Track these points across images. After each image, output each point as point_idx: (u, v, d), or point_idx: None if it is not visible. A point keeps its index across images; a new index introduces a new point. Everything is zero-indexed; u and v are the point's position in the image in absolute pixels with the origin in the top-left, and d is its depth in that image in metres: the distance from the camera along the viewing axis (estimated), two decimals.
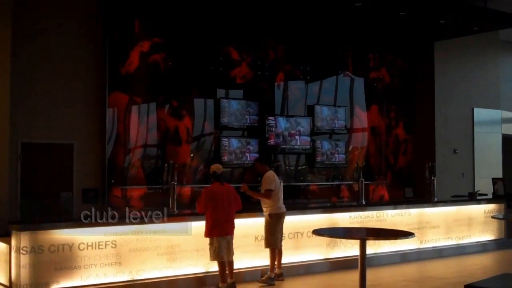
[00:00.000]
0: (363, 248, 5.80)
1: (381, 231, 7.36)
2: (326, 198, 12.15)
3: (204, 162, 10.75)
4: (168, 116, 10.39)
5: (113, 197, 9.78)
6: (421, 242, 10.46)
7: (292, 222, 8.94)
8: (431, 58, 13.26)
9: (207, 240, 7.60)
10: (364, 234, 6.74)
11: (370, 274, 9.14)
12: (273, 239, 8.14)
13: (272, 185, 8.14)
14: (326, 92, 12.36)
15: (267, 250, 8.34)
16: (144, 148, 10.15)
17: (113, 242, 7.43)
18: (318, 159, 12.01)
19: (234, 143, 10.93)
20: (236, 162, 10.90)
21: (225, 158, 10.77)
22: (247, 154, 11.02)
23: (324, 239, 9.17)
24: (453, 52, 13.63)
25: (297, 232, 8.96)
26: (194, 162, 10.64)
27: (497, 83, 14.73)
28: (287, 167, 11.81)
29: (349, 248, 9.42)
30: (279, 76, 11.66)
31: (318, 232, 6.28)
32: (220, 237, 7.54)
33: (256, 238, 8.56)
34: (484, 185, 12.83)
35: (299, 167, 12.00)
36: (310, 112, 11.98)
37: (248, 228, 8.47)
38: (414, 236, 6.10)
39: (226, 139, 10.85)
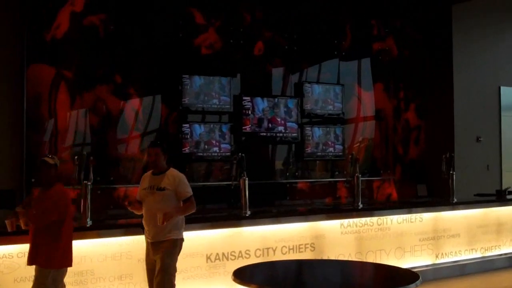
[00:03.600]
0: None
1: (353, 269, 5.12)
2: (319, 199, 9.83)
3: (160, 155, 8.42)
4: (110, 95, 8.08)
5: None
6: (437, 257, 8.11)
7: (261, 234, 6.64)
8: (448, 26, 10.77)
9: (132, 262, 5.35)
10: (321, 279, 4.41)
11: None
12: (174, 274, 5.38)
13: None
14: (318, 67, 10.01)
15: (222, 275, 6.11)
16: (76, 137, 7.86)
17: None
18: (308, 150, 9.66)
19: (198, 130, 8.62)
20: (200, 154, 8.59)
21: (187, 150, 8.48)
22: (217, 144, 8.71)
23: (307, 254, 6.89)
24: (475, 18, 11.09)
25: (268, 248, 6.66)
26: (145, 155, 8.33)
27: None
28: (267, 160, 9.48)
29: None
30: (258, 46, 9.30)
31: (239, 277, 4.02)
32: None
33: (208, 258, 6.27)
34: None
35: (284, 161, 9.65)
36: (297, 91, 9.63)
37: (198, 245, 6.19)
38: (420, 282, 3.87)
39: (187, 125, 8.53)
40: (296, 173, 9.71)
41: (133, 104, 8.24)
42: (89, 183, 5.90)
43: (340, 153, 9.98)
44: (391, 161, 10.83)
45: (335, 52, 10.11)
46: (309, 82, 9.73)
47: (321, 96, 9.80)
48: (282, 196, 9.47)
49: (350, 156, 7.87)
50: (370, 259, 7.40)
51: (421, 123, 11.09)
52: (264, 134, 9.18)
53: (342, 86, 10.08)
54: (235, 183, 6.70)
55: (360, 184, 7.63)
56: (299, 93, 9.60)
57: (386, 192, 10.74)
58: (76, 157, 6.07)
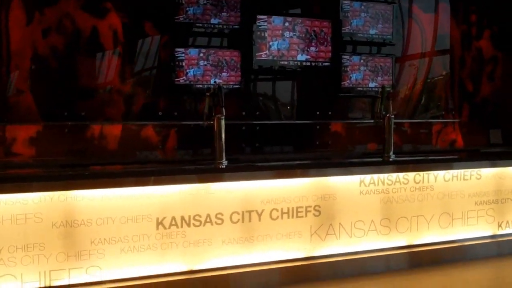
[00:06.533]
0: None
1: None
2: (360, 145, 7.91)
3: (145, 86, 6.77)
4: (80, 10, 6.40)
5: None
6: (501, 226, 6.07)
7: (242, 192, 4.86)
8: None
9: (43, 227, 3.84)
10: None
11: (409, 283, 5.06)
12: None
13: None
14: None
15: (180, 246, 4.46)
16: (36, 62, 6.27)
17: None
18: (346, 83, 7.69)
19: (197, 56, 6.85)
20: (199, 86, 6.83)
21: (181, 80, 6.75)
22: (221, 74, 6.93)
23: (309, 219, 5.08)
24: None
25: (250, 211, 4.88)
26: (127, 86, 6.67)
27: None
28: (291, 96, 7.59)
29: (363, 237, 5.29)
30: None
31: None
32: None
33: (160, 223, 4.58)
34: None
35: (313, 97, 7.73)
36: (332, 10, 7.60)
37: (145, 205, 4.52)
38: None
39: (182, 50, 6.76)
40: (329, 113, 7.78)
41: (110, 22, 6.53)
42: None
43: (389, 88, 7.92)
44: (457, 100, 8.68)
45: None
46: None
47: (364, 16, 7.75)
48: (310, 141, 7.60)
49: (380, 90, 5.86)
50: (403, 228, 5.50)
51: (498, 54, 8.80)
52: (285, 62, 7.28)
53: (394, 5, 7.96)
54: (207, 123, 4.92)
55: (392, 127, 5.67)
56: (334, 12, 7.58)
57: (449, 138, 8.65)
58: None
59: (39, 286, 4.21)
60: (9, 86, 6.17)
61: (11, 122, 6.14)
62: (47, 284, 4.23)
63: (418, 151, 7.65)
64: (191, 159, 6.07)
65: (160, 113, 6.76)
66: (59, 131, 6.31)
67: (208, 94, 4.94)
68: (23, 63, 6.21)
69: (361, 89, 7.80)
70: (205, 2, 6.82)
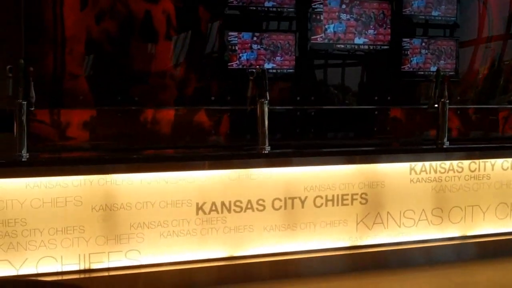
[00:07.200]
0: None
1: None
2: (421, 131, 7.62)
3: (197, 70, 6.75)
4: None
5: (35, 124, 6.17)
6: None
7: (285, 178, 4.77)
8: None
9: (83, 210, 3.88)
10: None
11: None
12: None
13: None
14: None
15: (221, 232, 4.43)
16: (90, 47, 6.35)
17: None
18: (406, 67, 7.43)
19: (250, 40, 6.77)
20: (253, 70, 6.72)
21: (234, 64, 6.69)
22: (275, 58, 6.83)
23: (355, 207, 4.93)
24: None
25: (293, 198, 4.78)
26: (180, 70, 6.67)
27: None
28: (344, 80, 7.40)
29: (413, 227, 5.10)
30: None
31: None
32: None
33: (200, 208, 4.55)
34: None
35: (370, 81, 7.50)
36: None
37: (185, 189, 4.50)
38: None
39: (235, 34, 6.70)
40: (388, 98, 7.53)
41: (163, 7, 6.54)
42: (25, 102, 4.32)
43: (452, 72, 7.62)
44: None
45: None
46: None
47: None
48: (367, 127, 7.38)
49: (435, 73, 5.61)
50: (456, 218, 5.26)
51: None
52: (342, 46, 7.10)
53: None
54: (251, 108, 4.84)
55: (446, 113, 5.43)
56: None
57: None
58: (8, 67, 4.46)
59: (78, 268, 4.27)
60: (64, 73, 6.27)
61: (66, 107, 6.25)
62: (87, 267, 4.29)
63: (481, 138, 7.30)
64: (237, 145, 5.99)
65: (213, 98, 6.72)
66: (113, 116, 6.37)
67: (251, 78, 4.86)
68: (77, 48, 6.29)
69: (422, 73, 7.51)
70: None
